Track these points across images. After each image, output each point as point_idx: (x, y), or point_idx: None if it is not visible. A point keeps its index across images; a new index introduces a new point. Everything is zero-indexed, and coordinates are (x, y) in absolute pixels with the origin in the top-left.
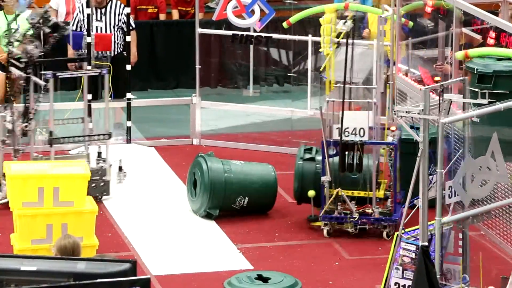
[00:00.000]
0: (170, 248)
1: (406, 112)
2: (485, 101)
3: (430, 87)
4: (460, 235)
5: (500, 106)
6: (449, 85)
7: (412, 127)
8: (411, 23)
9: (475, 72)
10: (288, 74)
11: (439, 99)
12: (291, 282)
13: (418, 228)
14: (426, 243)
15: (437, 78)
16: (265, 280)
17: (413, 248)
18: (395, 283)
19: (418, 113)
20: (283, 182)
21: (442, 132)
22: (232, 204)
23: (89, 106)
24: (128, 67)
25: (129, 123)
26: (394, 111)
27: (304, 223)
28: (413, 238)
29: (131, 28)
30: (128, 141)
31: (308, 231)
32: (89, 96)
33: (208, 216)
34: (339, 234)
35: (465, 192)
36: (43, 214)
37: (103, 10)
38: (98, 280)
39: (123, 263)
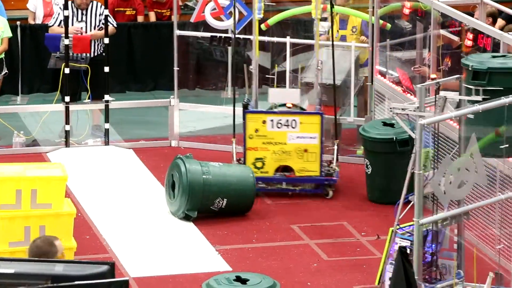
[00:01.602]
0: (148, 250)
1: (402, 109)
2: (479, 98)
3: (425, 85)
4: (456, 231)
5: (478, 107)
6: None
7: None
8: (388, 25)
9: (470, 68)
10: (267, 75)
11: (435, 97)
12: (270, 283)
13: (412, 224)
14: (404, 245)
15: (433, 76)
16: (243, 281)
17: (408, 243)
18: (390, 278)
19: (414, 110)
20: None
21: (421, 133)
22: (210, 206)
23: (67, 108)
24: (107, 69)
25: (107, 125)
26: (391, 108)
27: (282, 224)
28: (408, 234)
29: (111, 26)
30: (106, 143)
31: (287, 233)
32: (67, 98)
33: (186, 217)
34: (318, 236)
35: (443, 193)
36: (21, 217)
37: (84, 11)
38: (76, 282)
39: (101, 265)
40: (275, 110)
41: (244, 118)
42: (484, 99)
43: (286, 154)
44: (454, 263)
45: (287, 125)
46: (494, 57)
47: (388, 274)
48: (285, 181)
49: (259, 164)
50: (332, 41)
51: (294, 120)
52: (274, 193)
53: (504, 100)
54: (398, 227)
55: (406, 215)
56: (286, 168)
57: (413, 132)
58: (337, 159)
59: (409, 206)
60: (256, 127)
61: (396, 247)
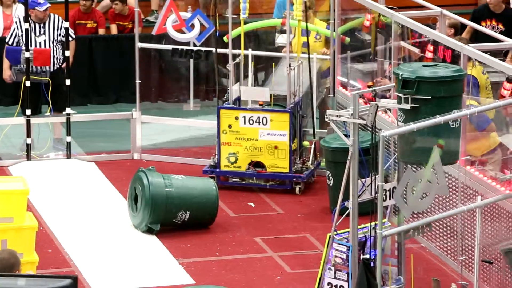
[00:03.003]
0: (111, 263)
1: (337, 116)
2: (407, 106)
3: (360, 92)
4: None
5: (440, 119)
6: (387, 91)
7: (347, 136)
8: (347, 39)
9: (400, 77)
10: (229, 88)
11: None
12: None
13: (348, 231)
14: (368, 256)
15: (369, 83)
16: None
17: (345, 249)
18: (328, 283)
19: (348, 117)
20: (224, 196)
21: (383, 145)
22: (173, 219)
23: (28, 121)
24: (68, 82)
25: (69, 138)
26: (326, 115)
27: (245, 237)
28: (345, 240)
29: (70, 38)
30: (68, 156)
31: (250, 245)
32: (28, 111)
33: (149, 231)
34: (281, 248)
35: (406, 205)
36: None
37: (42, 25)
38: None
39: (63, 279)
40: (247, 107)
41: (218, 114)
42: (412, 108)
43: (257, 150)
44: (389, 268)
45: (259, 122)
46: (425, 66)
47: (327, 280)
48: (256, 176)
49: (232, 159)
50: (308, 53)
51: (265, 117)
52: (237, 206)
53: (439, 119)
54: (335, 233)
55: (344, 221)
56: (257, 164)
57: (348, 138)
58: (315, 158)
59: (346, 212)
60: (229, 123)
61: (334, 253)
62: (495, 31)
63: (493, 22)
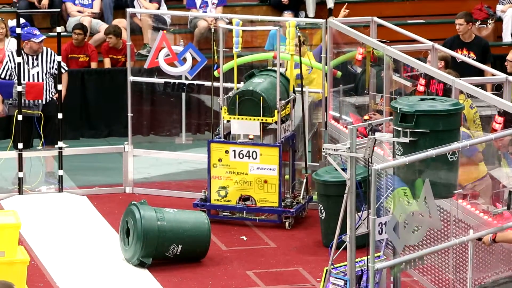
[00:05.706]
0: None
1: (334, 149)
2: (406, 140)
3: (357, 126)
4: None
5: (432, 152)
6: (379, 125)
7: (344, 169)
8: (339, 73)
9: (398, 111)
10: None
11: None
12: None
13: (346, 264)
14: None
15: (366, 117)
16: None
17: (342, 283)
18: None
19: (345, 151)
20: (216, 230)
21: (374, 178)
22: (165, 252)
23: (20, 155)
24: (60, 115)
25: (61, 172)
26: (323, 149)
27: (238, 270)
28: (342, 274)
29: (63, 71)
30: (60, 190)
31: (242, 279)
32: (20, 145)
33: (141, 264)
34: (273, 282)
35: (398, 238)
36: None
37: (35, 57)
38: None
39: None
40: (237, 141)
41: (208, 148)
42: (411, 141)
43: (247, 184)
44: None
45: (248, 156)
46: (422, 99)
47: None
48: (245, 210)
49: (222, 193)
50: (302, 87)
51: (254, 151)
52: (229, 239)
53: (431, 152)
54: (332, 267)
55: (339, 255)
56: (247, 198)
57: (345, 172)
58: (307, 192)
59: (343, 246)
60: (219, 157)
61: (331, 287)
62: None
63: (465, 51)
